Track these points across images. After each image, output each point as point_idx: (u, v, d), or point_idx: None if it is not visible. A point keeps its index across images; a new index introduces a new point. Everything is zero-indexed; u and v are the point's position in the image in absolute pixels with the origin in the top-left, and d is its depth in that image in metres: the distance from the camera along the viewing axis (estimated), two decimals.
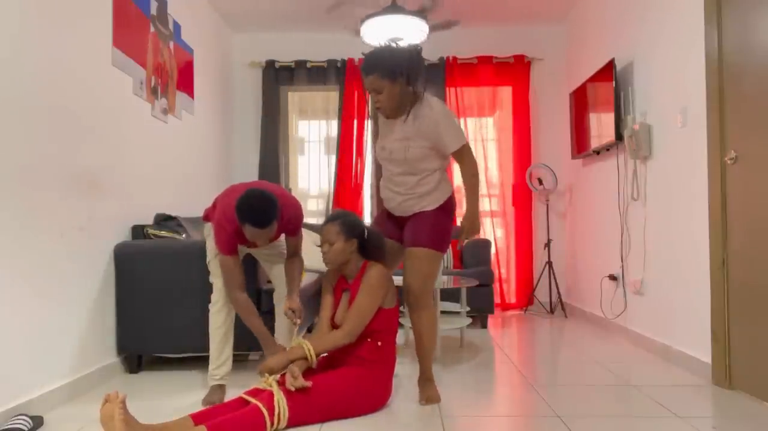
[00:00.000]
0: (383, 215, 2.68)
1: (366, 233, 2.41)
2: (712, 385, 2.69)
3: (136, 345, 2.98)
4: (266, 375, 2.18)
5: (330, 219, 2.40)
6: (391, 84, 2.26)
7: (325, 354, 2.46)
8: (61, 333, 2.53)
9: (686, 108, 3.00)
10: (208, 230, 2.68)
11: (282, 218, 2.49)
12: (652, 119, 3.43)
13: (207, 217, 2.69)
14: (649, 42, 3.47)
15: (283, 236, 2.74)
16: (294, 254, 2.68)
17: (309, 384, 2.12)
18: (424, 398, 2.47)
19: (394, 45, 2.31)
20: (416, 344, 2.51)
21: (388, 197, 2.54)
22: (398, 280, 3.19)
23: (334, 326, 2.42)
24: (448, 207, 2.46)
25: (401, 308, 3.75)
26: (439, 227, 2.41)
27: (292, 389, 2.08)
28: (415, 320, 2.45)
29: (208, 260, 2.67)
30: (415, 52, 2.30)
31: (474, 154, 2.43)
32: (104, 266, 2.91)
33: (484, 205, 5.27)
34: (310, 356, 2.23)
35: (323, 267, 4.35)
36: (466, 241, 2.51)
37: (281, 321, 2.78)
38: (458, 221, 4.66)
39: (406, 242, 2.47)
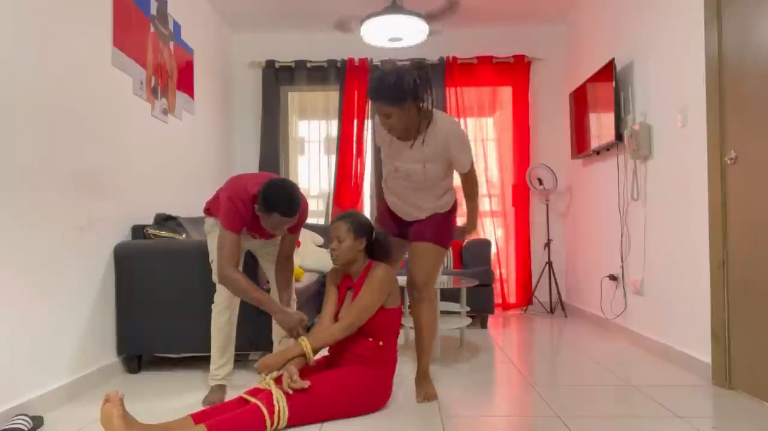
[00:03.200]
0: (386, 212, 2.69)
1: (374, 234, 2.47)
2: (712, 385, 2.69)
3: (136, 345, 2.98)
4: (263, 374, 2.18)
5: (340, 217, 2.42)
6: (400, 109, 2.19)
7: (326, 354, 2.46)
8: (61, 333, 2.53)
9: (686, 108, 3.00)
10: (210, 226, 2.63)
11: None
12: (652, 119, 3.43)
13: (209, 210, 2.62)
14: (649, 42, 3.47)
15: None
16: (287, 257, 2.63)
17: (306, 384, 2.12)
18: (422, 395, 2.50)
19: (398, 65, 2.23)
20: (416, 338, 2.56)
21: (395, 204, 2.58)
22: (401, 279, 3.19)
23: None
24: (453, 209, 2.59)
25: (403, 309, 3.74)
26: (444, 225, 2.53)
27: (290, 391, 2.08)
28: (417, 313, 2.52)
29: (211, 259, 2.64)
30: (420, 70, 2.23)
31: (474, 154, 2.49)
32: (104, 266, 2.91)
33: (484, 205, 5.28)
34: (308, 353, 2.23)
35: (323, 267, 4.36)
36: (465, 240, 2.62)
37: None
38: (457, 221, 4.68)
39: (413, 237, 2.55)
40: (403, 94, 2.16)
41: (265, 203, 2.25)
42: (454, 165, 2.43)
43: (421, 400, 2.48)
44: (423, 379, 2.56)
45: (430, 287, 2.52)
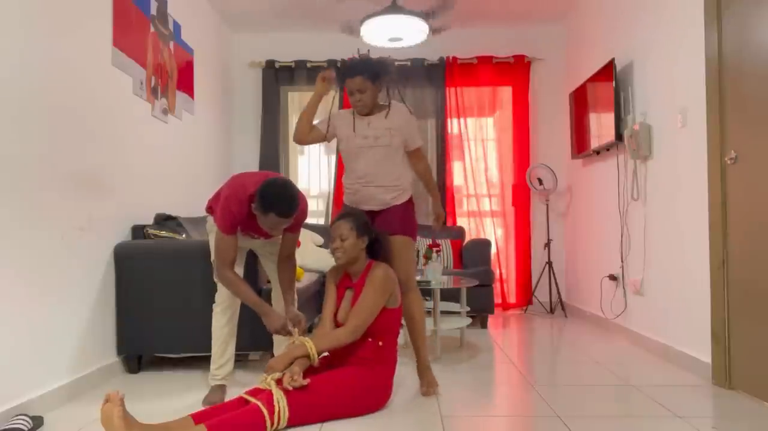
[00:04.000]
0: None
1: (375, 234, 2.48)
2: (712, 385, 2.69)
3: (136, 345, 2.98)
4: (265, 374, 2.18)
5: (341, 216, 2.44)
6: (373, 86, 2.58)
7: (326, 354, 2.46)
8: (61, 333, 2.53)
9: (686, 108, 3.00)
10: (211, 225, 2.62)
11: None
12: (652, 119, 3.43)
13: (211, 208, 2.61)
14: (649, 42, 3.47)
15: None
16: (288, 256, 2.61)
17: (306, 382, 2.12)
18: (425, 385, 2.60)
19: (371, 54, 2.67)
20: (411, 330, 2.69)
21: (357, 190, 2.69)
22: None
23: (337, 323, 2.44)
24: (411, 202, 2.76)
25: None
26: (410, 218, 2.71)
27: (290, 388, 2.08)
28: (407, 304, 2.66)
29: (213, 257, 2.60)
30: (391, 62, 2.68)
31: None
32: (104, 266, 2.91)
33: (484, 205, 5.28)
34: (312, 354, 2.23)
35: (323, 267, 4.35)
36: (439, 228, 2.89)
37: None
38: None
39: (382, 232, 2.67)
40: (379, 72, 2.59)
41: (262, 202, 2.24)
42: (409, 140, 2.69)
43: (425, 390, 2.58)
44: (426, 370, 2.65)
45: (413, 279, 2.68)
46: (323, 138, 2.76)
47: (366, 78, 2.56)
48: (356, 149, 2.65)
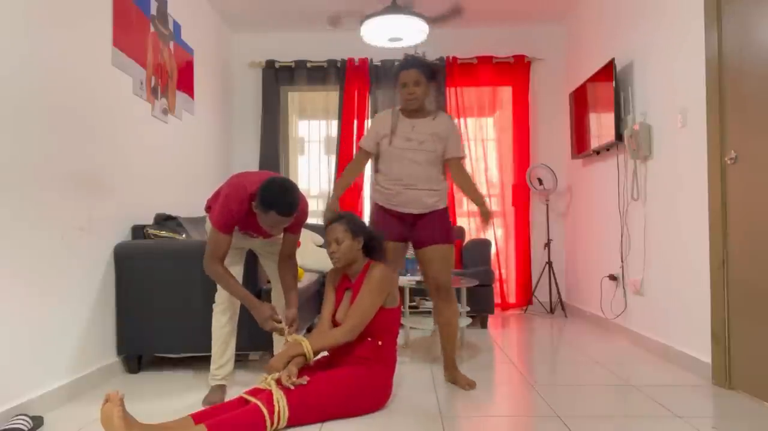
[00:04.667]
0: (382, 215, 2.73)
1: (370, 233, 2.47)
2: (712, 385, 2.69)
3: (136, 345, 2.98)
4: (265, 374, 2.19)
5: (333, 220, 2.42)
6: (427, 83, 2.64)
7: (326, 354, 2.47)
8: (61, 333, 2.53)
9: (686, 108, 3.00)
10: (210, 229, 2.60)
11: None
12: (652, 119, 3.43)
13: (210, 207, 2.60)
14: (649, 42, 3.47)
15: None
16: (289, 255, 2.60)
17: (304, 381, 2.13)
18: (466, 384, 2.68)
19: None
20: (446, 335, 2.75)
21: (399, 192, 2.66)
22: (401, 279, 3.18)
23: (335, 324, 2.44)
24: (448, 208, 2.79)
25: (403, 309, 3.74)
26: (447, 222, 2.73)
27: (290, 386, 2.09)
28: (445, 310, 2.71)
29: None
30: (443, 74, 2.83)
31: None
32: (104, 266, 2.91)
33: None
34: (308, 353, 2.23)
35: (323, 267, 4.35)
36: (489, 224, 2.86)
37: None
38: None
39: (423, 242, 2.70)
40: (433, 72, 2.67)
41: (262, 201, 2.24)
42: (449, 149, 2.69)
43: (467, 389, 2.67)
44: (456, 370, 2.76)
45: (451, 285, 2.73)
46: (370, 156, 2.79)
47: (421, 72, 2.61)
48: (398, 150, 2.65)
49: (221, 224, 2.36)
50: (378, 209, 2.76)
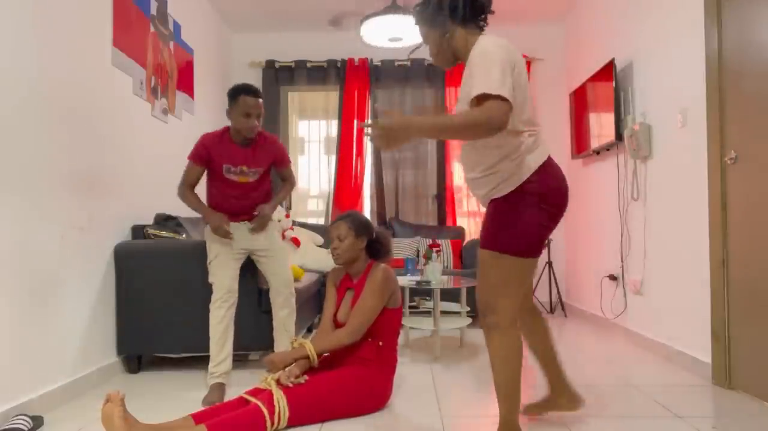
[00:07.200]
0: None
1: (374, 233, 2.47)
2: (712, 385, 2.69)
3: (136, 344, 2.98)
4: (265, 374, 2.19)
5: (340, 217, 2.45)
6: (434, 32, 1.90)
7: (326, 354, 2.47)
8: (61, 332, 2.53)
9: (686, 108, 3.00)
10: (209, 232, 2.70)
11: (267, 140, 2.74)
12: (652, 119, 3.43)
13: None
14: (649, 42, 3.47)
15: (277, 223, 2.98)
16: (284, 178, 2.89)
17: (304, 379, 2.14)
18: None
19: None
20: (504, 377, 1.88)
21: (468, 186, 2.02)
22: (401, 280, 3.18)
23: (337, 324, 2.44)
24: (522, 192, 1.80)
25: (403, 309, 3.74)
26: (505, 219, 1.81)
27: (290, 385, 2.09)
28: (486, 344, 1.88)
29: (208, 261, 2.69)
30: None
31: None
32: (104, 266, 2.91)
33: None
34: (312, 356, 2.23)
35: (323, 267, 4.35)
36: (368, 136, 1.78)
37: (278, 321, 2.81)
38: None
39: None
40: (436, 15, 1.87)
41: (232, 92, 2.58)
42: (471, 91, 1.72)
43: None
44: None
45: (495, 310, 1.83)
46: None
47: (424, 23, 1.93)
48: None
49: (192, 155, 2.64)
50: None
